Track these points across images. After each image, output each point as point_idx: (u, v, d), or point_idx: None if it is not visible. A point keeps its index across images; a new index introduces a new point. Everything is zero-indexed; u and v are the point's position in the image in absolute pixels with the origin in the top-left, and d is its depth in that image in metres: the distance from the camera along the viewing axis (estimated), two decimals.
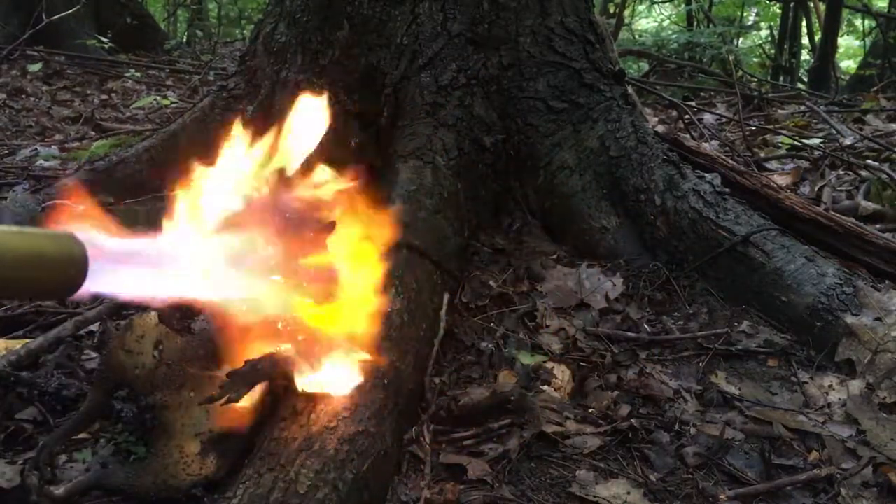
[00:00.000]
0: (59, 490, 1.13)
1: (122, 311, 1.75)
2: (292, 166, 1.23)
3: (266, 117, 2.29)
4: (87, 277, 0.76)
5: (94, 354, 1.53)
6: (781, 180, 2.77)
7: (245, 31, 9.30)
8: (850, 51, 11.62)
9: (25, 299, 0.78)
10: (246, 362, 1.15)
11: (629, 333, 1.79)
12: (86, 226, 0.81)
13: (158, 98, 4.62)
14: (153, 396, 1.17)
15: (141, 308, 1.41)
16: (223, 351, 1.27)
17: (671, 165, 2.13)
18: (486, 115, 2.20)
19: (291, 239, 1.14)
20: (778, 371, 1.68)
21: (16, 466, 1.21)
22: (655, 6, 11.42)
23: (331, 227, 1.20)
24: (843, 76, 8.64)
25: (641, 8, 11.49)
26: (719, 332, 1.77)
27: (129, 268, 0.84)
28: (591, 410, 1.49)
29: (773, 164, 3.35)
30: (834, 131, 3.84)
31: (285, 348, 1.21)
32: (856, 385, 1.58)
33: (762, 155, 3.51)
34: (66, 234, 0.76)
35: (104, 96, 5.17)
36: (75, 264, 0.75)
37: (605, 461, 1.34)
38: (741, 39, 9.93)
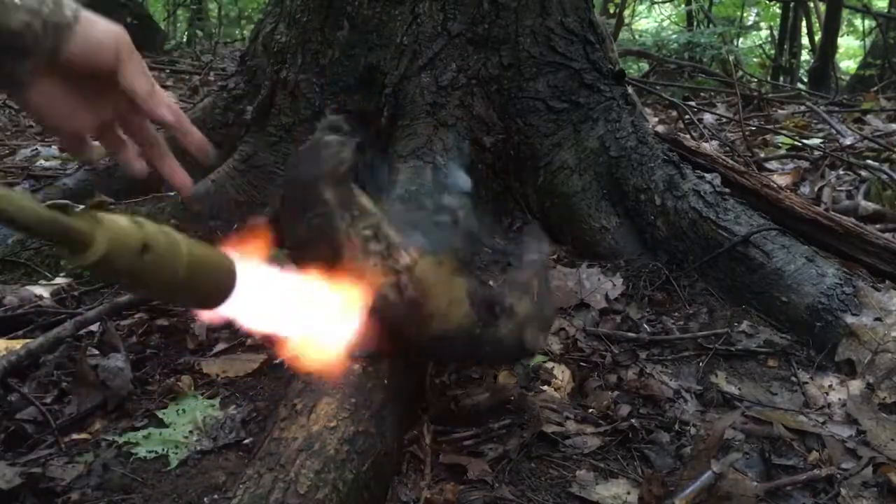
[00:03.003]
0: None
1: (122, 311, 1.76)
2: None
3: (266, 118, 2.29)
4: (229, 297, 0.82)
5: (96, 352, 1.53)
6: (781, 180, 2.77)
7: (245, 31, 9.30)
8: (850, 51, 11.63)
9: (191, 306, 0.83)
10: None
11: (629, 333, 1.79)
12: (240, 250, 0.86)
13: None
14: None
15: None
16: None
17: (671, 165, 2.13)
18: (486, 115, 2.20)
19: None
20: (778, 371, 1.68)
21: (16, 467, 1.21)
22: (655, 6, 11.43)
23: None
24: (843, 76, 8.64)
25: (641, 8, 11.50)
26: (719, 332, 1.77)
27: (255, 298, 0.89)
28: (591, 410, 1.49)
29: (773, 164, 3.35)
30: (834, 131, 3.84)
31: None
32: (856, 385, 1.58)
33: (762, 155, 3.51)
34: (228, 254, 0.83)
35: None
36: (230, 285, 0.81)
37: (605, 461, 1.34)
38: (741, 39, 9.93)
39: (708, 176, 2.12)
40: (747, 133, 3.76)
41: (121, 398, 1.43)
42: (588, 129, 2.23)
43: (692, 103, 4.83)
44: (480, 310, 1.27)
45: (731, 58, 6.58)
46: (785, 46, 8.63)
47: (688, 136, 2.93)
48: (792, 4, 8.46)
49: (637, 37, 10.27)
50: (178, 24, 10.16)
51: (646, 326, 1.84)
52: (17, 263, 1.89)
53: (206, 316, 0.88)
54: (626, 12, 9.84)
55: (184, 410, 1.42)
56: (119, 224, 0.68)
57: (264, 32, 2.40)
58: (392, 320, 1.25)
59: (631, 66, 7.82)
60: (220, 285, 0.81)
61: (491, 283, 1.40)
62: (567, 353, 1.69)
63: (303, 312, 1.08)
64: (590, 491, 1.24)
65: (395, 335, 1.28)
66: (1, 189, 0.61)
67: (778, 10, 9.16)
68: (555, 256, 2.16)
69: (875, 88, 6.25)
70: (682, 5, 10.44)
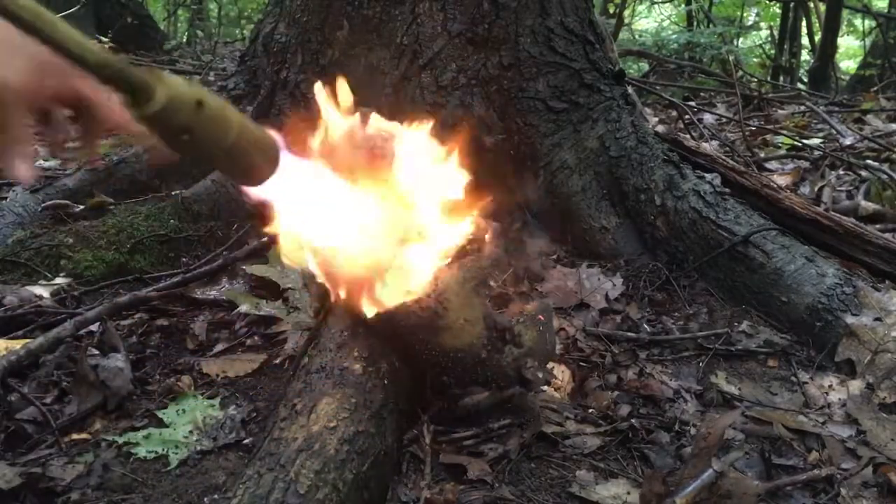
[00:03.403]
0: None
1: (122, 311, 1.76)
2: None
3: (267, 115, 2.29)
4: (272, 175, 0.87)
5: (96, 351, 1.53)
6: (781, 180, 2.77)
7: (245, 31, 9.30)
8: (850, 51, 11.62)
9: (238, 177, 0.87)
10: None
11: (629, 333, 1.79)
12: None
13: None
14: None
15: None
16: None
17: (671, 165, 2.13)
18: (486, 115, 2.20)
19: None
20: (778, 371, 1.68)
21: (16, 467, 1.21)
22: (655, 6, 11.43)
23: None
24: (843, 76, 8.64)
25: (641, 8, 11.49)
26: (719, 332, 1.77)
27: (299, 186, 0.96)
28: (591, 410, 1.49)
29: (773, 164, 3.35)
30: (834, 131, 3.84)
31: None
32: (856, 385, 1.58)
33: (762, 155, 3.51)
34: (274, 136, 0.88)
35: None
36: (274, 161, 0.87)
37: (605, 461, 1.34)
38: (741, 39, 9.93)
39: (708, 176, 2.12)
40: (747, 133, 3.76)
41: (121, 398, 1.43)
42: (588, 129, 2.23)
43: (692, 103, 4.83)
44: (491, 333, 1.29)
45: (731, 58, 6.57)
46: (785, 46, 8.63)
47: (688, 136, 2.93)
48: (792, 4, 8.46)
49: (637, 37, 10.27)
50: (178, 24, 10.17)
51: (646, 326, 1.84)
52: (17, 263, 1.89)
53: (250, 194, 0.93)
54: (626, 12, 9.84)
55: (184, 410, 1.42)
56: (176, 80, 0.73)
57: (264, 32, 2.40)
58: (406, 327, 1.26)
59: (631, 66, 7.82)
60: (264, 158, 0.86)
61: (502, 311, 1.43)
62: (567, 353, 1.69)
63: (339, 221, 1.12)
64: (590, 491, 1.24)
65: (404, 341, 1.30)
66: (75, 32, 0.66)
67: (778, 10, 9.16)
68: (555, 256, 2.16)
69: (875, 88, 6.25)
70: (682, 5, 10.43)
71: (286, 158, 0.89)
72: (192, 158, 1.02)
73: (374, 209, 1.21)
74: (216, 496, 1.19)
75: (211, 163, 0.82)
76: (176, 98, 0.72)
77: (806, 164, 3.29)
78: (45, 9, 0.65)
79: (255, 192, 0.91)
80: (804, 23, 8.83)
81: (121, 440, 1.33)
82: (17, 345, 1.52)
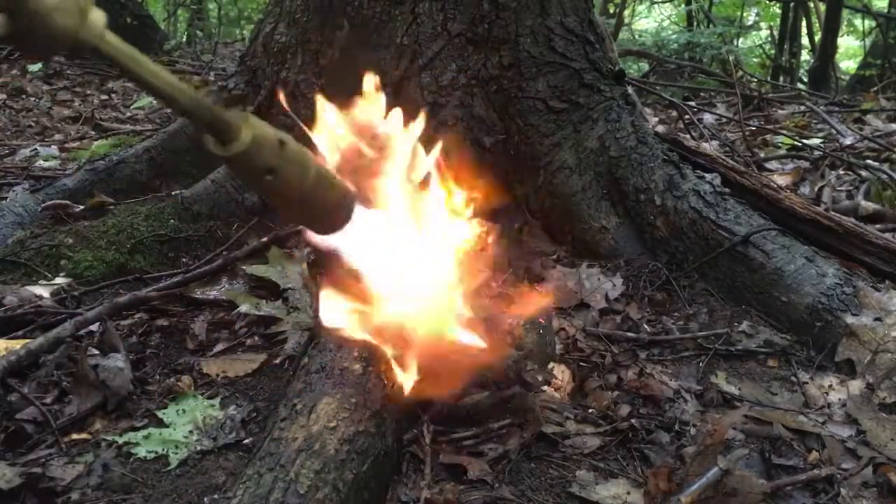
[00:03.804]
0: None
1: (122, 311, 1.76)
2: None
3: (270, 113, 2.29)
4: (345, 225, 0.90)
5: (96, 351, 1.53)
6: (781, 180, 2.77)
7: (245, 31, 9.30)
8: (850, 51, 11.62)
9: (314, 223, 0.91)
10: None
11: (629, 333, 1.79)
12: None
13: None
14: None
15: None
16: None
17: (671, 165, 2.13)
18: (486, 115, 2.20)
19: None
20: (778, 371, 1.68)
21: (16, 467, 1.21)
22: (655, 6, 11.43)
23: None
24: (843, 76, 8.64)
25: (641, 8, 11.49)
26: (719, 333, 1.77)
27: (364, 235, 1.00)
28: (591, 410, 1.49)
29: (773, 164, 3.35)
30: (834, 131, 3.84)
31: None
32: (856, 385, 1.58)
33: (762, 155, 3.51)
34: (351, 190, 0.91)
35: (104, 96, 5.17)
36: (349, 215, 0.90)
37: (605, 461, 1.34)
38: (741, 39, 9.93)
39: (708, 176, 2.12)
40: (747, 133, 3.76)
41: (121, 398, 1.43)
42: (588, 129, 2.23)
43: (692, 103, 4.83)
44: (492, 335, 1.30)
45: (731, 58, 6.57)
46: (785, 46, 8.62)
47: (688, 136, 2.93)
48: (792, 4, 8.45)
49: (637, 37, 10.26)
50: (178, 24, 10.16)
51: (646, 326, 1.84)
52: (17, 263, 1.89)
53: (320, 242, 0.95)
54: (626, 12, 9.84)
55: (184, 410, 1.42)
56: (260, 121, 0.75)
57: (264, 32, 2.40)
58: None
59: (631, 66, 7.81)
60: (339, 207, 0.88)
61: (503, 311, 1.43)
62: (567, 353, 1.69)
63: (407, 279, 1.13)
64: (590, 491, 1.24)
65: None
66: (164, 72, 0.68)
67: (778, 10, 9.15)
68: (555, 256, 2.16)
69: (875, 88, 6.24)
70: (682, 5, 10.43)
71: (360, 208, 0.92)
72: (262, 193, 1.04)
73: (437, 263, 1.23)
74: (216, 496, 1.19)
75: (290, 206, 0.83)
76: (260, 137, 0.74)
77: (806, 164, 3.29)
78: (137, 50, 0.66)
79: (325, 241, 0.93)
80: (804, 23, 8.83)
81: (121, 440, 1.33)
82: (17, 345, 1.52)
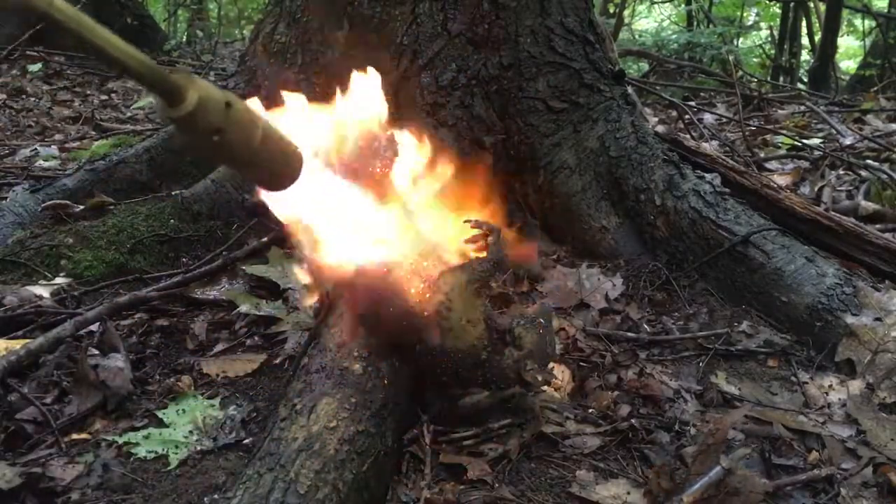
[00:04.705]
0: None
1: (122, 311, 1.76)
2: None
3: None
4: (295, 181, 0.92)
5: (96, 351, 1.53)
6: (781, 180, 2.77)
7: (245, 31, 9.30)
8: (850, 51, 11.61)
9: (263, 181, 0.96)
10: None
11: (629, 333, 1.79)
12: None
13: None
14: None
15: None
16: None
17: (671, 165, 2.13)
18: (486, 115, 2.20)
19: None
20: (778, 371, 1.68)
21: (16, 467, 1.21)
22: (655, 6, 11.43)
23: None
24: (843, 76, 8.64)
25: (641, 8, 11.49)
26: (719, 332, 1.77)
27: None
28: (591, 410, 1.49)
29: (773, 164, 3.35)
30: (834, 131, 3.84)
31: None
32: (856, 385, 1.58)
33: (762, 155, 3.51)
34: (298, 146, 0.93)
35: (104, 96, 5.17)
36: (298, 171, 0.93)
37: (605, 461, 1.34)
38: (741, 39, 9.93)
39: (708, 176, 2.12)
40: (747, 133, 3.76)
41: (121, 398, 1.43)
42: (588, 129, 2.23)
43: (692, 103, 4.83)
44: (492, 334, 1.30)
45: (731, 58, 6.56)
46: (785, 46, 8.62)
47: (688, 136, 2.93)
48: (792, 4, 8.45)
49: (637, 37, 10.26)
50: (178, 24, 10.15)
51: (646, 326, 1.84)
52: (17, 263, 1.89)
53: (273, 202, 0.98)
54: (626, 12, 9.84)
55: (184, 410, 1.42)
56: (206, 83, 0.78)
57: (264, 32, 2.40)
58: (409, 328, 1.27)
59: (631, 66, 7.81)
60: (289, 164, 0.91)
61: (503, 312, 1.44)
62: (567, 353, 1.69)
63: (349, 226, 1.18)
64: (590, 491, 1.24)
65: (404, 342, 1.30)
66: (115, 38, 0.70)
67: (778, 10, 9.15)
68: (555, 256, 2.16)
69: (875, 88, 6.24)
70: (682, 5, 10.42)
71: (309, 165, 0.93)
72: (206, 159, 1.07)
73: (389, 222, 1.23)
74: (216, 496, 1.19)
75: (238, 166, 0.86)
76: (207, 98, 0.77)
77: (806, 164, 3.29)
78: (85, 14, 0.67)
79: (276, 199, 0.95)
80: (804, 23, 8.83)
81: (121, 440, 1.33)
82: (17, 345, 1.52)
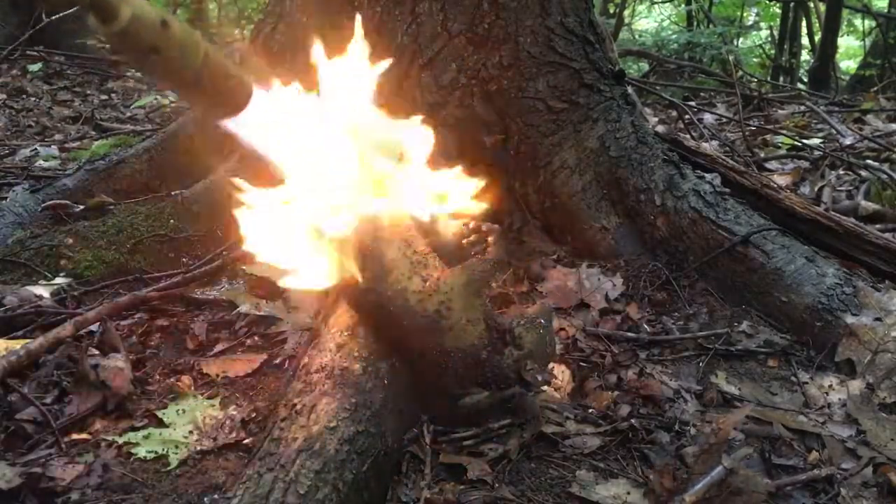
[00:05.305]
0: None
1: (122, 311, 1.76)
2: None
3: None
4: (247, 107, 0.94)
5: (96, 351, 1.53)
6: (781, 180, 2.77)
7: (245, 31, 9.29)
8: (850, 51, 11.61)
9: (210, 107, 0.99)
10: None
11: (629, 333, 1.79)
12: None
13: (158, 98, 4.62)
14: None
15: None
16: None
17: (671, 165, 2.13)
18: (486, 115, 2.20)
19: None
20: (778, 371, 1.68)
21: (16, 467, 1.21)
22: (655, 6, 11.43)
23: None
24: (843, 76, 8.64)
25: (641, 8, 11.49)
26: (719, 332, 1.77)
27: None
28: (591, 410, 1.49)
29: (773, 164, 3.35)
30: (834, 131, 3.84)
31: None
32: (856, 385, 1.58)
33: (762, 155, 3.51)
34: (247, 76, 0.95)
35: (104, 96, 5.17)
36: (245, 97, 0.94)
37: (605, 461, 1.34)
38: (741, 39, 9.93)
39: (708, 176, 2.12)
40: (747, 133, 3.76)
41: (121, 398, 1.43)
42: (588, 129, 2.23)
43: (692, 103, 4.83)
44: (492, 334, 1.30)
45: (731, 58, 6.57)
46: (785, 46, 8.62)
47: (688, 136, 2.93)
48: (792, 4, 8.45)
49: (637, 37, 10.26)
50: None
51: (646, 326, 1.84)
52: (17, 263, 1.89)
53: (225, 124, 0.99)
54: (626, 12, 9.84)
55: (184, 410, 1.42)
56: (141, 1, 0.78)
57: (264, 32, 2.40)
58: (409, 327, 1.27)
59: (631, 66, 7.81)
60: (234, 88, 0.92)
61: (502, 312, 1.44)
62: (567, 353, 1.69)
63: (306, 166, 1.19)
64: (590, 491, 1.24)
65: (406, 341, 1.30)
66: None
67: (778, 10, 9.15)
68: (555, 256, 2.16)
69: (875, 88, 6.24)
70: (682, 5, 10.43)
71: (261, 93, 0.95)
72: (152, 77, 1.08)
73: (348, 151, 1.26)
74: (216, 496, 1.19)
75: (182, 87, 0.86)
76: (140, 15, 0.77)
77: (806, 164, 3.29)
78: None
79: (228, 126, 0.97)
80: (804, 23, 8.84)
81: (121, 440, 1.33)
82: (17, 345, 1.52)
